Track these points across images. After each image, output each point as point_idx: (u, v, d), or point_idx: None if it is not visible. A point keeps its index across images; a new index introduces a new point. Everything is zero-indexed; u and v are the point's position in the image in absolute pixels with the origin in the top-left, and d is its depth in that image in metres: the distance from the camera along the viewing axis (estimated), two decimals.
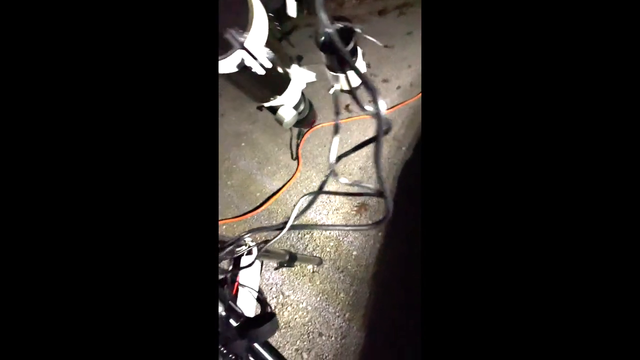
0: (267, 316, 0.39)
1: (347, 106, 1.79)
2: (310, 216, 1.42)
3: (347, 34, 0.38)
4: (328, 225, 1.33)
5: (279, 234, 0.44)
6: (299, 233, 1.37)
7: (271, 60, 0.36)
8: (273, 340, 1.09)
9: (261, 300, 0.48)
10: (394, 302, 1.11)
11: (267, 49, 0.33)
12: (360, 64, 0.47)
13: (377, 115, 0.20)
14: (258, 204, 1.54)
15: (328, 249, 1.30)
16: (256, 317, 0.44)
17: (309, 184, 1.58)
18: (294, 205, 0.43)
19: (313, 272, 1.25)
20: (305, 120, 0.61)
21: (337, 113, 0.25)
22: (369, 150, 1.64)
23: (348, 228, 1.08)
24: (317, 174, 1.60)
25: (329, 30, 0.19)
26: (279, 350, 1.13)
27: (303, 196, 0.42)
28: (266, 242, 0.57)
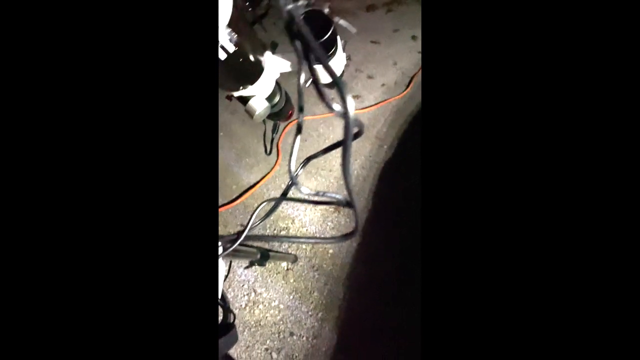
0: (225, 327, 0.36)
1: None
2: (288, 212, 1.38)
3: (324, 22, 0.34)
4: (290, 237, 1.27)
5: (234, 245, 0.40)
6: (274, 229, 1.33)
7: (237, 44, 0.32)
8: (242, 339, 1.05)
9: (223, 307, 0.44)
10: (369, 303, 1.10)
11: (229, 30, 0.29)
12: (340, 56, 0.43)
13: (345, 116, 0.16)
14: (234, 197, 1.49)
15: (304, 246, 1.27)
16: None
17: (287, 179, 1.54)
18: (252, 213, 0.39)
19: (287, 269, 1.22)
20: (282, 113, 0.57)
21: (302, 109, 0.22)
22: (354, 143, 1.61)
23: (311, 241, 1.02)
24: None
25: (289, 6, 0.16)
26: (248, 349, 1.10)
27: (262, 202, 0.38)
28: (232, 241, 0.53)
